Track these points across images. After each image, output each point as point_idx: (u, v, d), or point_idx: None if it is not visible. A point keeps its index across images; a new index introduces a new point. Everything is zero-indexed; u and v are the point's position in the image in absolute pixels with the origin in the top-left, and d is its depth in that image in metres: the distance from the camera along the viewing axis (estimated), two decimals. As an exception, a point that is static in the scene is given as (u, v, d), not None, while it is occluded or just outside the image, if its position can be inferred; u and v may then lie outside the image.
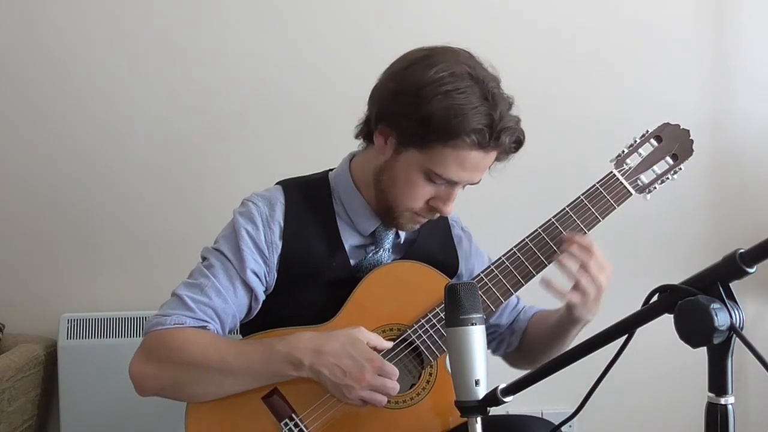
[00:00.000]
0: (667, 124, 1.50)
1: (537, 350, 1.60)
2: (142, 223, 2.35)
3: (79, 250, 2.35)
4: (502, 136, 1.34)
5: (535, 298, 1.65)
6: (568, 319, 1.48)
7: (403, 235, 1.53)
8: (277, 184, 1.54)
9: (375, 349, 1.35)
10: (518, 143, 1.39)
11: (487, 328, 1.60)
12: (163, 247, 2.34)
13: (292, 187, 1.51)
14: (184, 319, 1.38)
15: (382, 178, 1.43)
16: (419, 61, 1.36)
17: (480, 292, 1.39)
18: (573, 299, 1.42)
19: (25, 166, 2.34)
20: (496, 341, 1.65)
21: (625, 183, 1.47)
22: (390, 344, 1.38)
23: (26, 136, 2.34)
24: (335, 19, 2.37)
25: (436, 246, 1.56)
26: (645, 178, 1.48)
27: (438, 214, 1.46)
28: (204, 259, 1.47)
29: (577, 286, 1.42)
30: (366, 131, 1.47)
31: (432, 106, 1.31)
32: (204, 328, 1.40)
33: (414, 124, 1.34)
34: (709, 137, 2.44)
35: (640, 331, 0.96)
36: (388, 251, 1.50)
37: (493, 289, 1.43)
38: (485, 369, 1.09)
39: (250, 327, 1.49)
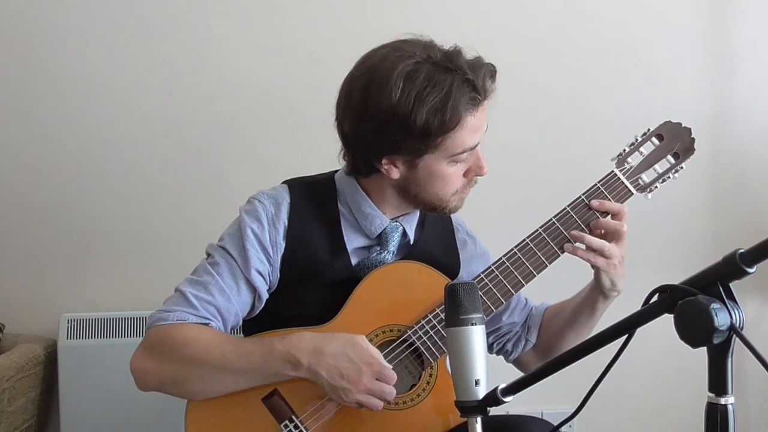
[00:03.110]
0: (669, 122, 1.50)
1: (558, 342, 1.59)
2: (142, 224, 2.35)
3: (79, 250, 2.35)
4: (485, 83, 1.36)
5: (536, 297, 1.66)
6: (598, 294, 1.48)
7: (411, 235, 1.52)
8: (283, 183, 1.54)
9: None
10: (494, 74, 1.38)
11: (502, 328, 1.62)
12: (163, 247, 2.34)
13: (298, 187, 1.51)
14: (187, 316, 1.38)
15: (409, 188, 1.43)
16: (370, 90, 1.35)
17: (480, 293, 1.39)
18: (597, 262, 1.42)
19: (25, 166, 2.34)
20: (512, 341, 1.64)
21: (626, 182, 1.47)
22: (389, 366, 1.35)
23: (26, 137, 2.33)
24: (337, 17, 2.36)
25: (438, 248, 1.56)
26: (646, 177, 1.48)
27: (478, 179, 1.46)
28: (208, 255, 1.47)
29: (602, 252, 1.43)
30: (367, 170, 1.45)
31: (420, 116, 1.31)
32: (206, 326, 1.40)
33: (415, 140, 1.35)
34: (710, 137, 2.44)
35: (640, 331, 0.96)
36: (393, 253, 1.50)
37: (494, 290, 1.42)
38: (485, 369, 1.09)
39: (251, 325, 1.49)
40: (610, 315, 1.11)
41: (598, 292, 1.48)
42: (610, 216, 1.45)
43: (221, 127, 2.35)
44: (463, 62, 1.35)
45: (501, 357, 1.68)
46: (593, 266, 1.44)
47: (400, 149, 1.37)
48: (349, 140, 1.43)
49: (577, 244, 1.44)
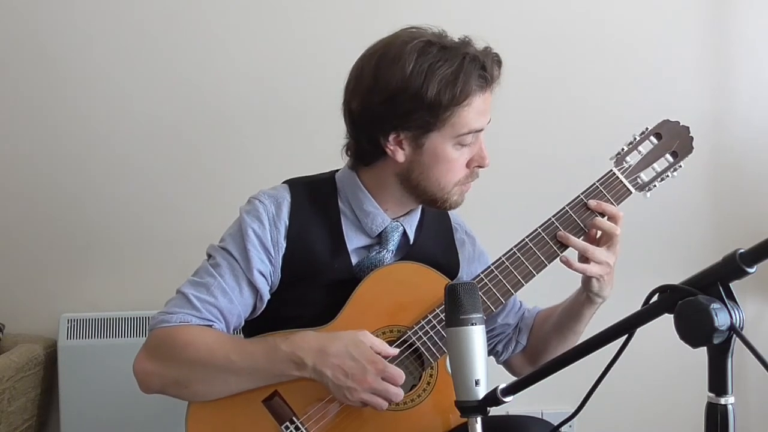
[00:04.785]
0: (667, 120, 1.49)
1: (545, 345, 1.59)
2: (142, 223, 2.35)
3: (79, 250, 2.35)
4: (493, 69, 1.40)
5: (536, 298, 1.65)
6: (585, 299, 1.48)
7: (411, 235, 1.52)
8: (283, 182, 1.53)
9: (379, 354, 1.34)
10: (500, 65, 1.43)
11: (496, 328, 1.62)
12: (163, 247, 2.34)
13: (299, 187, 1.51)
14: (190, 318, 1.38)
15: (412, 176, 1.43)
16: (382, 64, 1.37)
17: (480, 293, 1.39)
18: (592, 270, 1.42)
19: (25, 166, 2.34)
20: (503, 342, 1.64)
21: (625, 181, 1.47)
22: (395, 351, 1.37)
23: (25, 137, 2.33)
24: (337, 17, 2.36)
25: (437, 248, 1.55)
26: (645, 176, 1.48)
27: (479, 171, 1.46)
28: (210, 256, 1.46)
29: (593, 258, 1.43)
30: (372, 153, 1.45)
31: (430, 89, 1.33)
32: (209, 327, 1.40)
33: (424, 113, 1.36)
34: (710, 137, 2.44)
35: (640, 331, 0.96)
36: (392, 252, 1.49)
37: (494, 290, 1.42)
38: (485, 369, 1.09)
39: (251, 326, 1.49)
40: (610, 315, 1.11)
41: (584, 296, 1.48)
42: (606, 218, 1.45)
43: (221, 127, 2.35)
44: (473, 48, 1.40)
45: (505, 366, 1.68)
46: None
47: (409, 123, 1.37)
48: (356, 119, 1.43)
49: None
